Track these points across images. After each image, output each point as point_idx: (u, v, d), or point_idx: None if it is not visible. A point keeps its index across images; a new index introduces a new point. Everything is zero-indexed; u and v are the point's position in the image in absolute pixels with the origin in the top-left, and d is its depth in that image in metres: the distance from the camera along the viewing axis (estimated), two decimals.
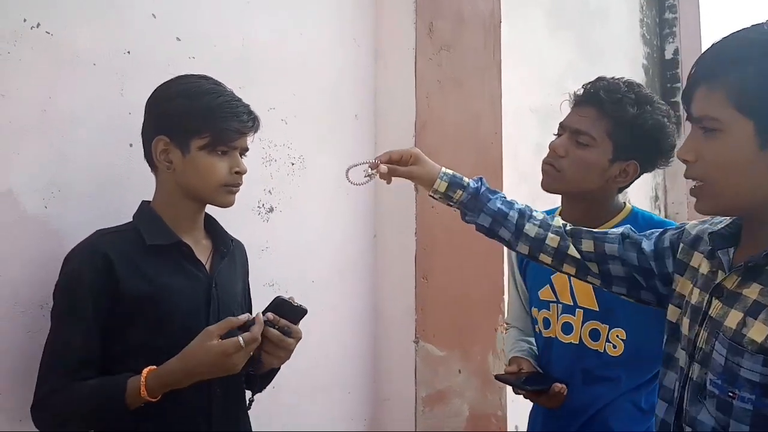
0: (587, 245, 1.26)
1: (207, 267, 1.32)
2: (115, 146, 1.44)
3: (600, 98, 1.51)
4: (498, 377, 1.63)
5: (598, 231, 1.31)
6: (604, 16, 3.53)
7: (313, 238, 1.91)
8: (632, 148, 1.51)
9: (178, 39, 1.56)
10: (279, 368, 1.35)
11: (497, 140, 2.33)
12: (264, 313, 1.22)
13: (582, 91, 1.58)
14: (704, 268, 1.09)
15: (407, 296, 2.00)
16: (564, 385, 1.50)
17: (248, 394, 1.38)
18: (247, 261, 1.49)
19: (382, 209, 2.08)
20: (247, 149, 1.34)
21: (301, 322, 1.26)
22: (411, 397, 1.99)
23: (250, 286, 1.49)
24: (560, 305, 1.61)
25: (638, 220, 1.57)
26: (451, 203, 1.31)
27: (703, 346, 1.01)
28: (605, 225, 1.57)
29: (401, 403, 2.02)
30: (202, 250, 1.34)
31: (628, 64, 3.78)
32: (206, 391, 1.26)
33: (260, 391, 1.40)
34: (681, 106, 1.31)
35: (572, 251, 1.25)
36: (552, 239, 1.26)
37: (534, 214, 1.33)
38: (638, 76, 3.90)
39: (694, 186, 1.03)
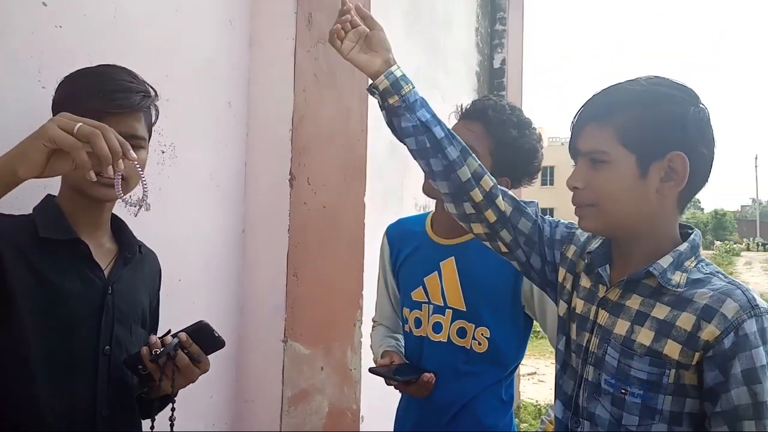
0: (506, 206, 1.30)
1: (106, 272, 1.19)
2: None
3: (488, 116, 1.61)
4: (372, 370, 1.67)
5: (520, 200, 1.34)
6: (449, 23, 3.71)
7: (182, 234, 1.77)
8: (508, 166, 1.63)
9: (44, 4, 1.35)
10: (176, 395, 1.24)
11: (363, 137, 2.35)
12: (178, 332, 1.12)
13: (471, 106, 1.67)
14: (585, 282, 1.23)
15: (278, 294, 1.94)
16: (432, 375, 1.59)
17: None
18: (160, 273, 1.36)
19: (253, 204, 1.99)
20: (138, 136, 1.20)
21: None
22: (276, 397, 1.94)
23: None
24: (431, 306, 1.69)
25: None
26: (395, 95, 1.24)
27: (596, 351, 1.15)
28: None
29: (265, 403, 1.96)
30: (104, 254, 1.22)
31: (465, 71, 4.01)
32: (91, 411, 1.15)
33: (152, 416, 1.28)
34: None
35: (499, 202, 1.29)
36: (485, 181, 1.29)
37: None
38: (472, 83, 4.17)
39: (580, 208, 1.16)
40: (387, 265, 1.86)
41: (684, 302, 1.06)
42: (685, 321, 1.03)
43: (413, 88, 1.26)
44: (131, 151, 0.96)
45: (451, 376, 1.64)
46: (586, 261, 1.23)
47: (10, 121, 1.27)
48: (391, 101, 1.24)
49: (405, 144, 1.30)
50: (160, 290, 1.40)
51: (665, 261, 1.09)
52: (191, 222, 1.81)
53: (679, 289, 1.07)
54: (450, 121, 1.69)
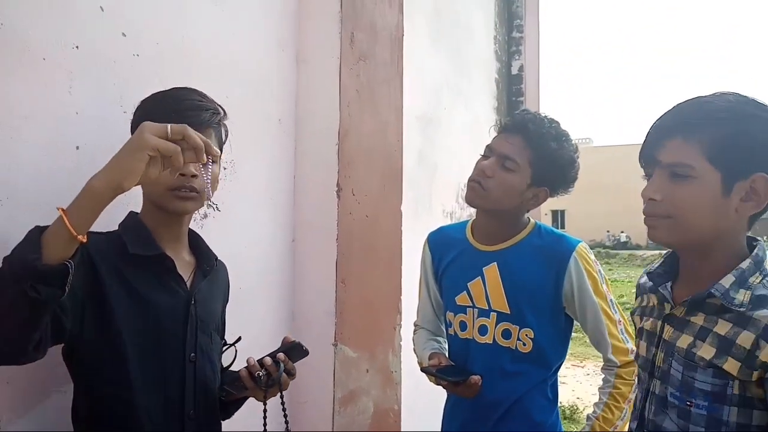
0: None
1: (188, 284, 1.28)
2: (62, 150, 1.31)
3: (528, 129, 1.69)
4: (423, 369, 1.76)
5: None
6: (470, 32, 3.80)
7: (241, 244, 1.87)
8: (547, 177, 1.72)
9: (123, 35, 1.45)
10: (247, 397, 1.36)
11: (399, 149, 2.45)
12: (276, 353, 1.27)
13: (511, 119, 1.76)
14: (652, 300, 1.28)
15: (327, 300, 2.03)
16: (479, 377, 1.66)
17: None
18: (229, 285, 1.45)
19: (302, 215, 2.09)
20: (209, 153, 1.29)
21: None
22: (328, 398, 2.04)
23: None
24: (476, 309, 1.78)
25: (541, 232, 1.80)
26: None
27: (661, 365, 1.19)
28: (514, 238, 1.77)
29: (318, 404, 2.06)
30: (185, 266, 1.30)
31: (485, 78, 4.10)
32: (179, 413, 1.24)
33: (228, 417, 1.39)
34: None
35: None
36: None
37: None
38: (491, 90, 4.25)
39: (652, 218, 1.18)
40: (429, 272, 1.95)
41: (746, 320, 1.07)
42: (745, 339, 1.05)
43: None
44: (213, 147, 1.02)
45: (498, 375, 1.72)
46: (647, 282, 1.28)
47: (96, 146, 1.37)
48: None
49: None
50: (228, 301, 1.50)
51: (727, 281, 1.11)
52: (249, 233, 1.91)
53: (742, 309, 1.08)
54: (489, 135, 1.79)
